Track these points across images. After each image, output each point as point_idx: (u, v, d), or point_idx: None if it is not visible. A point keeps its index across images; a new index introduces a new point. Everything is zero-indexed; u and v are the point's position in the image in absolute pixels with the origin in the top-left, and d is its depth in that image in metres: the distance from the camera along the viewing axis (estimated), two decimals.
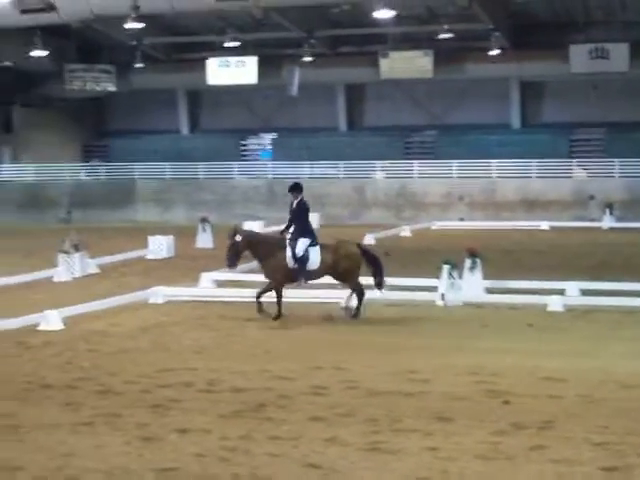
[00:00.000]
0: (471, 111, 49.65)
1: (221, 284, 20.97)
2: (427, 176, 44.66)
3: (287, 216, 17.55)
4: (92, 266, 24.71)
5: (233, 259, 16.97)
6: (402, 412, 10.74)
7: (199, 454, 9.30)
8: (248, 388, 12.09)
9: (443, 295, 18.60)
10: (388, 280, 18.82)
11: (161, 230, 30.91)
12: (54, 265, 23.77)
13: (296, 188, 17.45)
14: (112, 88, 51.07)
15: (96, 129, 56.49)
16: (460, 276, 18.97)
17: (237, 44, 47.98)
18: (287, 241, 16.98)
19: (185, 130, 54.84)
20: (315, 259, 16.88)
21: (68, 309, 17.30)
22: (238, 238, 16.91)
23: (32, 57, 45.95)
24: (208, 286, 20.86)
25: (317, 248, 16.95)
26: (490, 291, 19.28)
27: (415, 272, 21.26)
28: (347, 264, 17.05)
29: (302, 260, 16.81)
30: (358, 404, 11.18)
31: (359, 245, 17.80)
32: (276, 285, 17.00)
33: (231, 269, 17.48)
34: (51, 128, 52.64)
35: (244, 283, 20.32)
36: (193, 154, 48.52)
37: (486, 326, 16.62)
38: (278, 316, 16.95)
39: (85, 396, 11.77)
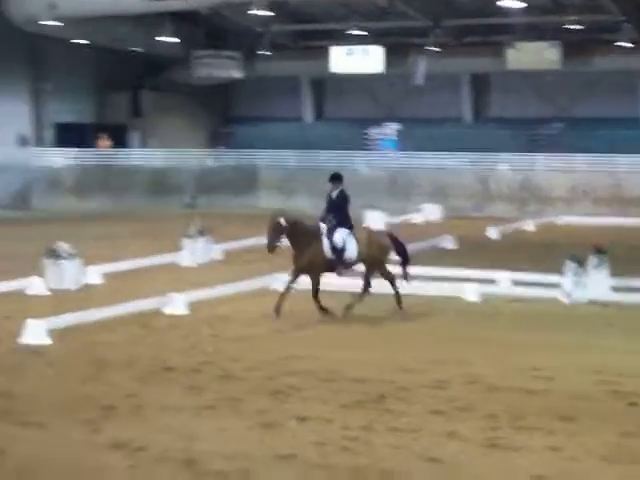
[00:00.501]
0: (598, 104, 48.62)
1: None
2: (552, 169, 43.96)
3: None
4: (216, 251, 25.00)
5: (274, 242, 16.14)
6: (524, 409, 10.62)
7: (319, 442, 9.35)
8: (369, 379, 12.10)
9: (567, 292, 18.29)
10: (511, 275, 18.60)
11: None
12: (179, 249, 24.15)
13: (337, 178, 16.84)
14: (238, 75, 51.55)
15: (222, 115, 57.11)
16: (585, 273, 18.61)
17: (362, 33, 47.95)
18: (324, 231, 16.39)
19: (309, 118, 55.04)
20: (353, 250, 16.42)
21: (192, 293, 17.56)
22: (283, 222, 16.10)
23: (161, 43, 46.70)
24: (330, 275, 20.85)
25: (354, 239, 16.48)
26: (616, 289, 18.86)
27: (538, 267, 20.94)
28: (379, 254, 16.75)
29: (341, 251, 16.35)
30: (478, 399, 11.10)
31: (390, 235, 17.48)
32: (315, 276, 16.42)
33: (270, 252, 16.31)
34: (179, 113, 53.45)
35: None
36: (316, 142, 48.62)
37: (611, 325, 16.27)
38: (279, 306, 16.27)
39: (208, 380, 11.95)
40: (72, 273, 19.75)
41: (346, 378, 12.10)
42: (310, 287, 16.57)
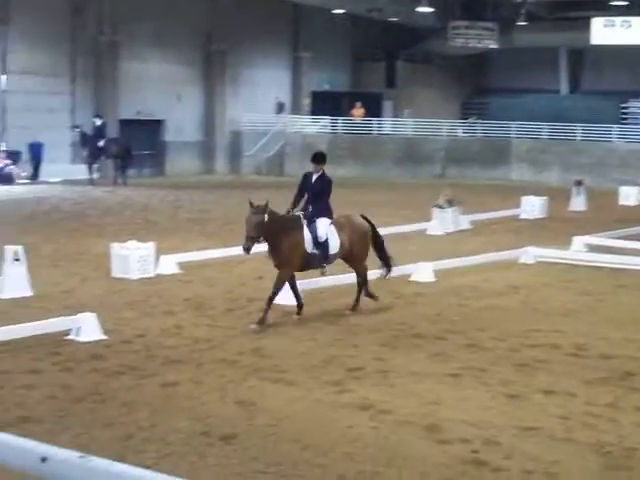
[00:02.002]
0: None
1: (593, 248, 20.50)
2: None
3: None
4: (464, 222, 24.97)
5: (253, 243, 13.13)
6: None
7: (563, 417, 9.24)
8: (615, 355, 11.82)
9: None
10: None
11: (534, 190, 30.65)
12: (428, 219, 24.29)
13: (320, 158, 14.13)
14: (493, 45, 51.03)
15: (475, 87, 56.75)
16: None
17: (624, 3, 46.38)
18: (303, 221, 13.70)
19: (564, 90, 53.89)
20: (335, 242, 13.90)
21: (440, 262, 17.64)
22: (266, 219, 13.12)
23: (418, 14, 46.79)
24: (580, 249, 20.49)
25: (335, 231, 13.91)
26: None
27: None
28: (362, 244, 14.40)
29: (325, 244, 13.79)
30: None
31: (366, 218, 14.73)
32: (289, 273, 13.65)
33: (247, 253, 13.35)
34: (432, 84, 53.54)
35: (617, 249, 19.78)
36: (571, 115, 47.54)
37: None
38: (264, 317, 13.27)
39: (453, 349, 12.00)
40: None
41: (592, 354, 11.87)
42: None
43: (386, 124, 47.95)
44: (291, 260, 13.54)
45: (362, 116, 46.97)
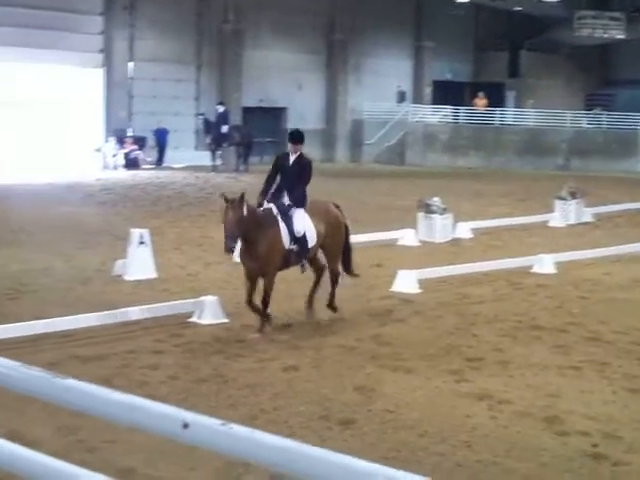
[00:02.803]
0: None
1: None
2: None
3: None
4: (587, 214, 24.60)
5: (236, 240, 11.55)
6: None
7: None
8: None
9: None
10: None
11: None
12: (550, 210, 24.00)
13: (297, 138, 12.20)
14: (620, 36, 50.03)
15: (601, 78, 55.71)
16: None
17: None
18: (276, 213, 11.90)
19: None
20: (312, 234, 12.16)
21: (561, 254, 17.45)
22: (245, 211, 11.43)
23: (543, 2, 46.14)
24: None
25: (311, 222, 12.16)
26: None
27: None
28: (337, 237, 12.62)
29: (303, 240, 12.07)
30: None
31: (338, 208, 12.96)
32: (273, 275, 12.00)
33: (229, 254, 12.00)
34: (556, 75, 52.75)
35: None
36: None
37: None
38: (263, 324, 11.95)
39: (574, 341, 11.86)
40: (443, 227, 20.24)
41: None
42: None
43: (508, 114, 47.47)
44: (273, 261, 11.83)
45: (485, 106, 46.60)
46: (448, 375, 10.19)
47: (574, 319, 13.13)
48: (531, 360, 10.88)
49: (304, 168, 12.12)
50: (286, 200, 12.01)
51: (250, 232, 11.50)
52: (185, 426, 3.43)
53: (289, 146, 12.27)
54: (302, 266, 12.41)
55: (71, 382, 4.10)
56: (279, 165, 12.17)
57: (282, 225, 11.81)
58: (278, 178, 12.19)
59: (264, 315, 11.92)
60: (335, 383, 9.84)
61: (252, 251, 11.64)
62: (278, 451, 3.34)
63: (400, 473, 3.32)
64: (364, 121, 46.80)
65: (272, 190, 12.11)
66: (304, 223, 12.00)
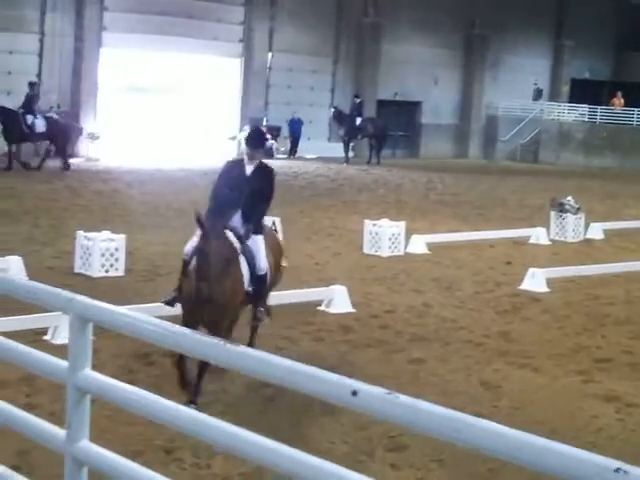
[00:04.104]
0: None
1: None
2: None
3: None
4: None
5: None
6: None
7: None
8: None
9: None
10: None
11: None
12: None
13: (257, 141, 9.42)
14: None
15: None
16: None
17: None
18: (238, 245, 8.59)
19: None
20: (265, 266, 9.19)
21: None
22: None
23: None
24: None
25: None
26: None
27: None
28: (277, 264, 9.73)
29: (263, 279, 9.16)
30: None
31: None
32: (230, 328, 8.73)
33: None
34: None
35: None
36: None
37: None
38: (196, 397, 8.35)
39: None
40: (575, 227, 19.99)
41: None
42: None
43: None
44: (234, 309, 8.76)
45: (622, 106, 45.65)
46: (575, 375, 10.10)
47: None
48: None
49: (265, 182, 9.32)
50: (238, 223, 8.95)
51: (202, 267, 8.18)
52: (354, 393, 3.61)
53: (245, 151, 9.49)
54: (259, 315, 9.49)
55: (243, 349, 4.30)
56: (229, 176, 9.20)
57: (243, 260, 8.79)
58: (225, 192, 9.11)
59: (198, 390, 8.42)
60: (461, 377, 9.86)
61: (203, 296, 8.05)
62: (443, 420, 3.46)
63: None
64: (499, 118, 46.39)
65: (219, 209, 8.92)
66: (266, 257, 9.17)
